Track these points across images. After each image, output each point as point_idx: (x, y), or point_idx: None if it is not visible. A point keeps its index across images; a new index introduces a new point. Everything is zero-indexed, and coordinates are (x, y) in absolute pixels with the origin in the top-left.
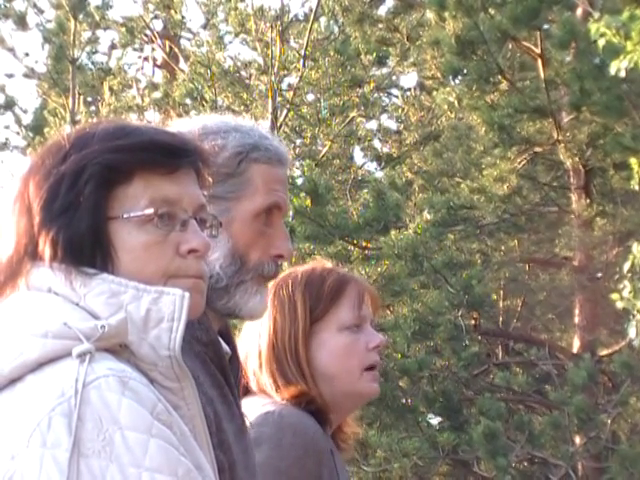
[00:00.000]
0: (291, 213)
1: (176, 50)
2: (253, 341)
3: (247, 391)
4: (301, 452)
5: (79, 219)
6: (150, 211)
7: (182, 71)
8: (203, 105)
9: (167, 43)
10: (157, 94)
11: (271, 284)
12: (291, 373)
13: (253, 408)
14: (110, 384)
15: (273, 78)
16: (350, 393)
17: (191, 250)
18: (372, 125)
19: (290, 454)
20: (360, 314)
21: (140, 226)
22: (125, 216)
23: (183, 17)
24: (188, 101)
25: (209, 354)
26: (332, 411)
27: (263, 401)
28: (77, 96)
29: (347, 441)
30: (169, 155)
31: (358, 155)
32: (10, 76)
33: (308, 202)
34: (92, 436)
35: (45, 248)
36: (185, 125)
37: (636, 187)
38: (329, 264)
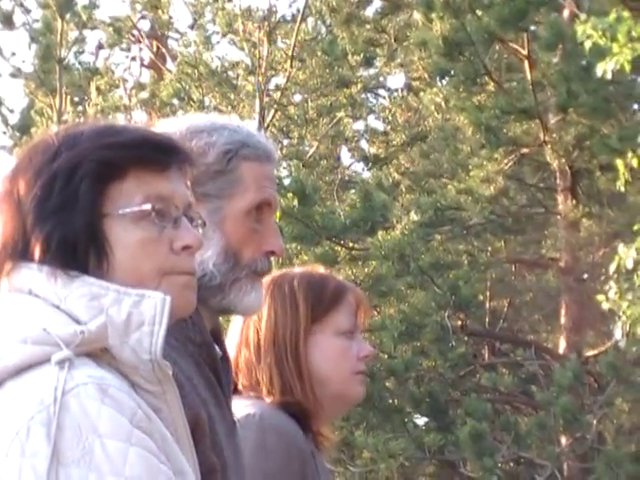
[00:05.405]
0: (278, 213)
1: (163, 50)
2: (250, 335)
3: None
4: (285, 453)
5: (74, 216)
6: (147, 207)
7: (169, 71)
8: (190, 105)
9: (154, 43)
10: (144, 94)
11: (265, 280)
12: (289, 369)
13: (234, 410)
14: (89, 392)
15: (260, 78)
16: (339, 396)
17: (185, 247)
18: (359, 126)
19: (275, 456)
20: (356, 322)
21: (136, 222)
22: (120, 212)
23: (170, 17)
24: (175, 101)
25: (202, 355)
26: (314, 415)
27: (245, 402)
28: (64, 96)
29: (324, 443)
30: (161, 152)
31: (345, 156)
32: None
33: (295, 202)
34: (71, 445)
35: (37, 247)
36: (172, 125)
37: (622, 188)
38: (322, 269)
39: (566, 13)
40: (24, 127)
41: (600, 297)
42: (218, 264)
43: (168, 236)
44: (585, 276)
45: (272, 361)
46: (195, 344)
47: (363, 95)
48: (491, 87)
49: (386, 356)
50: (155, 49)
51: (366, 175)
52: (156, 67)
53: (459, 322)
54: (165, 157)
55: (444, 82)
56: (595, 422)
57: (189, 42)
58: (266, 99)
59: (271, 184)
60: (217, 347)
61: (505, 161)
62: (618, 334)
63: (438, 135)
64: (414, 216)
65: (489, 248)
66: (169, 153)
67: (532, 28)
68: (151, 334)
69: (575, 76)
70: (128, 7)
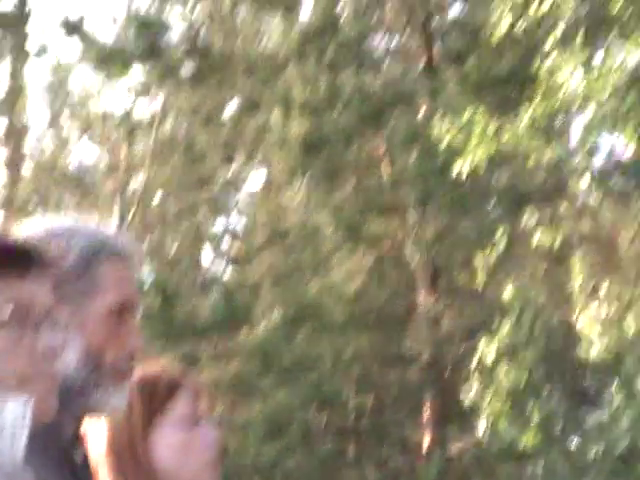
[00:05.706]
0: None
1: (21, 150)
2: (93, 442)
3: None
4: None
5: None
6: (6, 312)
7: (26, 172)
8: (48, 205)
9: (11, 143)
10: (1, 194)
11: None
12: (130, 470)
13: None
14: None
15: (120, 179)
16: None
17: (46, 351)
18: (220, 224)
19: None
20: (197, 411)
21: None
22: None
23: (28, 118)
24: (34, 201)
25: (63, 459)
26: None
27: None
28: None
29: None
30: (19, 257)
31: (207, 254)
32: None
33: (157, 302)
34: None
35: None
36: (30, 227)
37: (480, 285)
38: (162, 364)
39: (423, 110)
40: None
41: (462, 393)
42: (80, 367)
43: (29, 341)
44: (448, 370)
45: (114, 465)
46: (56, 448)
47: (223, 193)
48: (351, 184)
49: (251, 455)
50: (12, 149)
51: (228, 273)
52: (13, 167)
53: (324, 419)
54: (23, 262)
55: (304, 180)
56: None
57: (47, 143)
58: (126, 198)
59: (131, 285)
60: (78, 451)
61: (366, 258)
62: (481, 429)
63: (299, 233)
64: (277, 314)
65: (352, 344)
66: (27, 258)
67: (390, 125)
68: (12, 438)
69: (431, 174)
70: None
